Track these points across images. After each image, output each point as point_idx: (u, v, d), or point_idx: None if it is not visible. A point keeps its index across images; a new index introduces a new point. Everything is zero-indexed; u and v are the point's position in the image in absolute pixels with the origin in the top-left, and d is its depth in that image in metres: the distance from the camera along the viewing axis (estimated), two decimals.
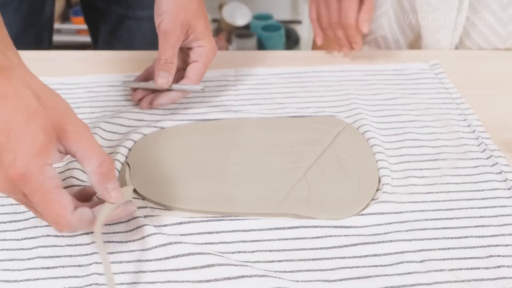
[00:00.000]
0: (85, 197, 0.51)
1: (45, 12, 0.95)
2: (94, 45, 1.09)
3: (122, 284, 0.47)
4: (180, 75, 0.68)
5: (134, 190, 0.57)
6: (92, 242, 0.50)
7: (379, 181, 0.58)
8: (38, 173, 0.43)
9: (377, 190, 0.57)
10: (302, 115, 0.69)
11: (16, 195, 0.45)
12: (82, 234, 0.51)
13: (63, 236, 0.51)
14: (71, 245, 0.51)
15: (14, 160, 0.43)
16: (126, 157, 0.61)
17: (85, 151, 0.45)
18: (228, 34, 2.27)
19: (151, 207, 0.55)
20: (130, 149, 0.62)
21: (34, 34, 0.94)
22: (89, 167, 0.45)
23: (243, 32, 2.23)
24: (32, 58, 0.80)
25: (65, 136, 0.45)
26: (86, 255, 0.50)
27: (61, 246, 0.50)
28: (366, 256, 0.50)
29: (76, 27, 2.22)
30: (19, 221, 0.53)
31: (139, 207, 0.55)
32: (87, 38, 2.18)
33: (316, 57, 0.83)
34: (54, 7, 0.98)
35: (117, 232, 0.52)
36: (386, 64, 0.80)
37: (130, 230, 0.52)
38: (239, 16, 2.27)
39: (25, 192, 0.43)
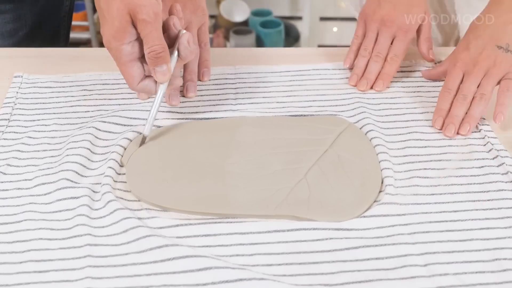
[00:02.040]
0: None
1: (63, 7, 0.94)
2: None
3: None
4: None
5: (130, 192, 0.56)
6: (86, 245, 0.50)
7: (382, 182, 0.57)
8: (116, 50, 0.56)
9: (380, 191, 0.56)
10: (303, 114, 0.67)
11: None
12: (75, 237, 0.50)
13: (56, 239, 0.50)
14: (64, 248, 0.50)
15: (103, 35, 0.57)
16: (122, 156, 0.60)
17: (145, 37, 0.56)
18: (225, 31, 2.25)
19: (146, 209, 0.54)
20: (125, 148, 0.61)
21: (51, 30, 0.94)
22: (145, 50, 0.56)
23: (241, 28, 2.21)
24: (27, 55, 0.80)
25: (136, 23, 0.56)
26: (79, 258, 0.49)
27: (54, 249, 0.49)
28: (368, 259, 0.49)
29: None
30: (10, 223, 0.52)
31: (134, 209, 0.54)
32: (83, 35, 2.19)
33: (316, 54, 0.81)
34: (73, 3, 0.96)
35: (111, 235, 0.51)
36: None
37: (124, 232, 0.51)
38: (237, 12, 2.26)
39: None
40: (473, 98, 0.65)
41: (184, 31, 0.59)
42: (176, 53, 0.59)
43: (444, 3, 0.87)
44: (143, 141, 0.61)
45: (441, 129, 0.64)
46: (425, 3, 0.74)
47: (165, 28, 0.59)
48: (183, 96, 0.70)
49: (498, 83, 0.65)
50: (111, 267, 0.48)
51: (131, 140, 0.62)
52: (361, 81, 0.72)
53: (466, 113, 0.65)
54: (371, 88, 0.72)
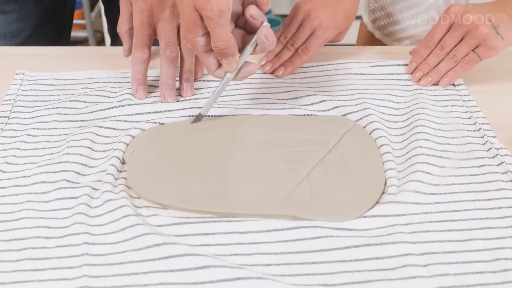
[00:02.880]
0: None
1: (67, 7, 0.94)
2: (112, 40, 1.07)
3: (114, 286, 0.46)
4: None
5: (131, 188, 0.56)
6: (84, 243, 0.49)
7: (385, 184, 0.56)
8: (192, 41, 0.59)
9: (383, 193, 0.56)
10: (306, 114, 0.67)
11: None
12: (72, 235, 0.50)
13: (53, 237, 0.50)
14: (61, 246, 0.49)
15: (181, 28, 0.64)
16: (124, 153, 0.60)
17: (210, 32, 0.58)
18: None
19: (146, 206, 0.54)
20: (129, 142, 0.61)
21: (54, 29, 0.94)
22: (212, 44, 0.58)
23: None
24: (29, 54, 0.79)
25: (203, 18, 0.57)
26: (76, 256, 0.48)
27: (51, 247, 0.49)
28: (368, 259, 0.48)
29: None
30: (7, 221, 0.52)
31: (134, 207, 0.53)
32: (79, 33, 2.18)
33: (316, 52, 0.80)
34: (75, 3, 0.96)
35: (109, 233, 0.51)
36: (390, 60, 0.78)
37: (122, 230, 0.50)
38: None
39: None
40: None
41: (265, 23, 0.59)
42: (253, 42, 0.60)
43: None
44: (198, 119, 0.64)
45: (411, 73, 0.72)
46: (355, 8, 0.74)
47: (242, 20, 0.61)
48: (180, 95, 0.70)
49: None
50: (108, 265, 0.48)
51: (133, 137, 0.62)
52: (274, 63, 0.74)
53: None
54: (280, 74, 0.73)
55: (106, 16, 1.06)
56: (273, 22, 2.19)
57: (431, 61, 0.71)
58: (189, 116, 0.66)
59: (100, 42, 2.31)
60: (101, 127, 0.63)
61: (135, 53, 0.68)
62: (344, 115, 0.67)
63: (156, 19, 0.67)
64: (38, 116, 0.66)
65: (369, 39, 0.98)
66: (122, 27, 0.71)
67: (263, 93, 0.70)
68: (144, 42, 0.68)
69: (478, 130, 0.64)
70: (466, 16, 0.68)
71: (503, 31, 0.67)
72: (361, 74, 0.74)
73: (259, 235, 0.51)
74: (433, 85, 0.72)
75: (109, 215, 0.52)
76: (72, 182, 0.56)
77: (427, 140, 0.61)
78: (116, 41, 1.07)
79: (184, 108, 0.67)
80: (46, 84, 0.72)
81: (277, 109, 0.67)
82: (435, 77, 0.71)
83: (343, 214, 0.53)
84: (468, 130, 0.64)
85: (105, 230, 0.51)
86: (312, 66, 0.76)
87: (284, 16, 2.29)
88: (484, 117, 0.66)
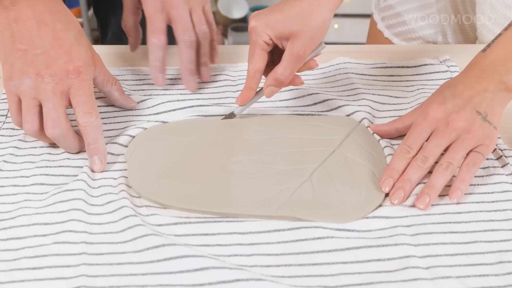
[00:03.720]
0: None
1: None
2: (102, 38, 1.07)
3: (112, 286, 0.46)
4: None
5: (131, 187, 0.55)
6: (82, 242, 0.49)
7: None
8: (91, 76, 0.58)
9: (387, 195, 0.55)
10: (309, 113, 0.66)
11: (50, 86, 0.55)
12: (70, 231, 0.50)
13: (50, 234, 0.50)
14: (58, 243, 0.49)
15: (73, 60, 0.56)
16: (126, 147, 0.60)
17: (105, 74, 0.62)
18: (224, 28, 2.24)
19: (146, 206, 0.54)
20: (129, 142, 0.61)
21: None
22: (109, 86, 0.64)
23: (240, 25, 2.19)
24: None
25: (94, 61, 0.59)
26: (75, 254, 0.48)
27: (48, 244, 0.49)
28: (369, 261, 0.48)
29: None
30: (4, 220, 0.51)
31: (133, 206, 0.53)
32: None
33: None
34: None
35: (108, 232, 0.50)
36: (392, 59, 0.77)
37: (121, 231, 0.50)
38: (236, 9, 2.24)
39: (75, 85, 0.56)
40: (436, 165, 0.55)
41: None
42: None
43: (466, 3, 0.86)
44: (230, 117, 0.64)
45: (388, 194, 0.55)
46: None
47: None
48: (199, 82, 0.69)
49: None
50: (107, 265, 0.47)
51: (133, 137, 0.62)
52: None
53: (426, 182, 0.55)
54: None
55: (95, 13, 1.06)
56: None
57: (411, 175, 0.55)
58: (191, 115, 0.65)
59: (97, 40, 2.31)
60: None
61: (152, 39, 0.67)
62: (347, 115, 0.66)
63: (168, 5, 0.66)
64: None
65: (378, 37, 0.97)
66: (128, 21, 0.70)
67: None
68: (160, 27, 0.67)
69: None
70: (453, 121, 0.56)
71: (492, 117, 0.56)
72: (362, 74, 0.74)
73: (259, 235, 0.50)
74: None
75: (109, 216, 0.52)
76: (73, 186, 0.55)
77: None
78: (105, 38, 1.06)
79: (186, 107, 0.66)
80: None
81: (280, 107, 0.67)
82: (433, 194, 0.53)
83: (346, 216, 0.52)
84: None
85: (104, 229, 0.50)
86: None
87: None
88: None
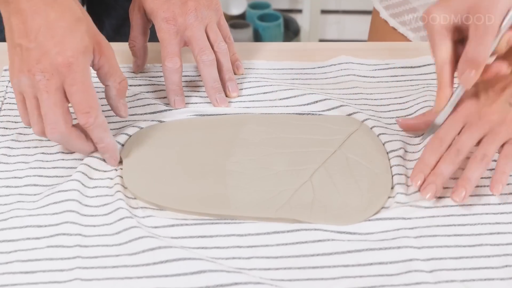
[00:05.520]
0: None
1: None
2: None
3: None
4: None
5: (127, 188, 0.55)
6: (76, 245, 0.48)
7: (392, 188, 0.55)
8: (84, 67, 0.52)
9: (389, 197, 0.54)
10: (309, 112, 0.65)
11: (42, 84, 0.51)
12: (64, 234, 0.49)
13: (44, 237, 0.49)
14: (52, 246, 0.48)
15: (64, 50, 0.51)
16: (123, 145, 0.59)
17: (111, 67, 0.56)
18: None
19: (142, 207, 0.53)
20: (126, 141, 0.60)
21: None
22: (111, 81, 0.56)
23: (238, 22, 2.17)
24: None
25: (100, 49, 0.55)
26: (69, 258, 0.47)
27: (41, 248, 0.48)
28: (371, 264, 0.47)
29: None
30: None
31: (129, 208, 0.52)
32: None
33: (317, 49, 0.79)
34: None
35: (103, 235, 0.50)
36: (395, 57, 0.76)
37: (117, 233, 0.49)
38: (234, 5, 2.22)
39: (67, 80, 0.51)
40: (470, 158, 0.54)
41: None
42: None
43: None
44: (432, 131, 0.57)
45: (419, 190, 0.53)
46: None
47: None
48: (227, 96, 0.68)
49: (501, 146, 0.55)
50: (102, 268, 0.47)
51: (130, 136, 0.61)
52: None
53: (461, 175, 0.54)
54: None
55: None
56: (271, 17, 2.17)
57: (444, 169, 0.54)
58: (189, 115, 0.65)
59: None
60: None
61: (167, 64, 0.66)
62: (349, 114, 0.65)
63: (182, 28, 0.66)
64: None
65: (382, 27, 0.94)
66: (137, 42, 0.70)
67: (264, 93, 0.69)
68: (174, 51, 0.66)
69: None
70: (485, 114, 0.56)
71: None
72: (364, 76, 0.72)
73: (258, 237, 0.50)
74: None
75: (104, 218, 0.51)
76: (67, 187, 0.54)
77: None
78: None
79: (183, 107, 0.66)
80: None
81: (279, 106, 0.66)
82: (469, 187, 0.53)
83: (347, 218, 0.52)
84: None
85: (99, 231, 0.50)
86: (314, 68, 0.74)
87: (283, 10, 2.26)
88: None
